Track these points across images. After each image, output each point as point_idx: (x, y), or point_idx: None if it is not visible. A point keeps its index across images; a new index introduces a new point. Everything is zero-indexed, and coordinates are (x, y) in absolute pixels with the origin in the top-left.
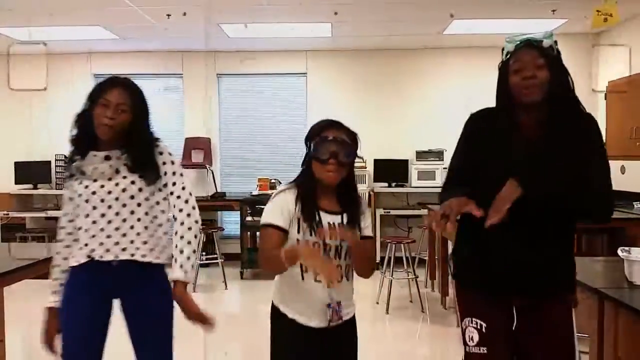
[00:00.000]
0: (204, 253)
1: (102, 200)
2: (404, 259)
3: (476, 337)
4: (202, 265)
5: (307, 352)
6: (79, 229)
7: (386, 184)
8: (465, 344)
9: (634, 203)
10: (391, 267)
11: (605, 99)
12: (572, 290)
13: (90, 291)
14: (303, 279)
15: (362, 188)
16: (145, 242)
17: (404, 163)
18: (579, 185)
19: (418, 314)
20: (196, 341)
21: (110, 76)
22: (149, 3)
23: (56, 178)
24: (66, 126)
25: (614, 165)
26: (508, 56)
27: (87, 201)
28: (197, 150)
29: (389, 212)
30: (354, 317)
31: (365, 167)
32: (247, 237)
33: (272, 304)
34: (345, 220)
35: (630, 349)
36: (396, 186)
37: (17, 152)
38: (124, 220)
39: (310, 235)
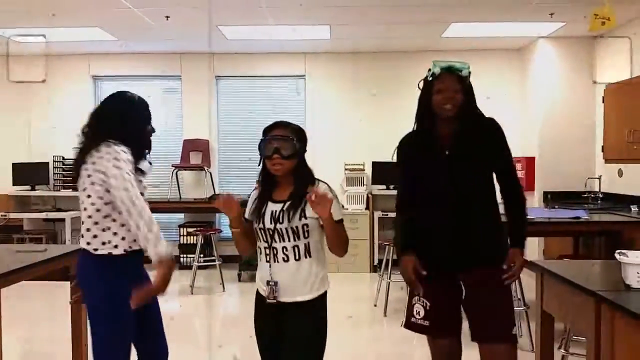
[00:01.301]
0: (201, 255)
1: None
2: None
3: (422, 313)
4: (199, 268)
5: (264, 320)
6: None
7: (384, 187)
8: (410, 315)
9: (631, 206)
10: (389, 270)
11: (603, 102)
12: (505, 255)
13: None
14: (260, 259)
15: (360, 190)
16: None
17: None
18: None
19: None
20: (194, 343)
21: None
22: (147, 5)
23: (54, 179)
24: (65, 127)
25: (612, 168)
26: (432, 77)
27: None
28: (196, 152)
29: (387, 214)
30: (309, 302)
31: (364, 170)
32: None
33: None
34: (285, 207)
35: (626, 351)
36: (394, 189)
37: (16, 153)
38: None
39: (256, 222)
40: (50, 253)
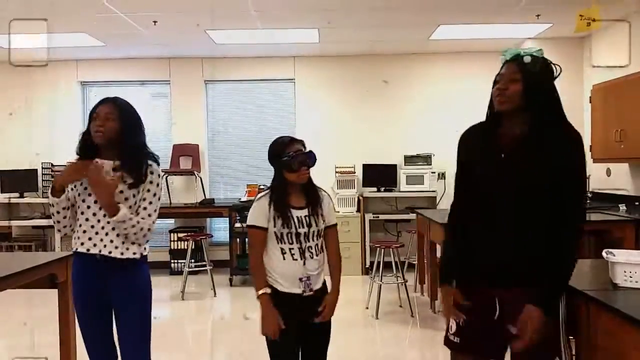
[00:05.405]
0: (192, 260)
1: None
2: (393, 263)
3: (454, 328)
4: (190, 273)
5: (284, 312)
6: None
7: (375, 189)
8: (447, 329)
9: (619, 205)
10: (380, 272)
11: (590, 102)
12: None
13: None
14: (284, 258)
15: (351, 193)
16: None
17: (393, 168)
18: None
19: (407, 319)
20: (185, 349)
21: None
22: (135, 10)
23: (43, 186)
24: (53, 134)
25: (600, 167)
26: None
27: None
28: (185, 157)
29: (378, 216)
30: (324, 283)
31: (354, 172)
32: (236, 243)
33: None
34: (309, 212)
35: (615, 350)
36: (385, 191)
37: (3, 160)
38: None
39: (283, 227)
40: (38, 260)
